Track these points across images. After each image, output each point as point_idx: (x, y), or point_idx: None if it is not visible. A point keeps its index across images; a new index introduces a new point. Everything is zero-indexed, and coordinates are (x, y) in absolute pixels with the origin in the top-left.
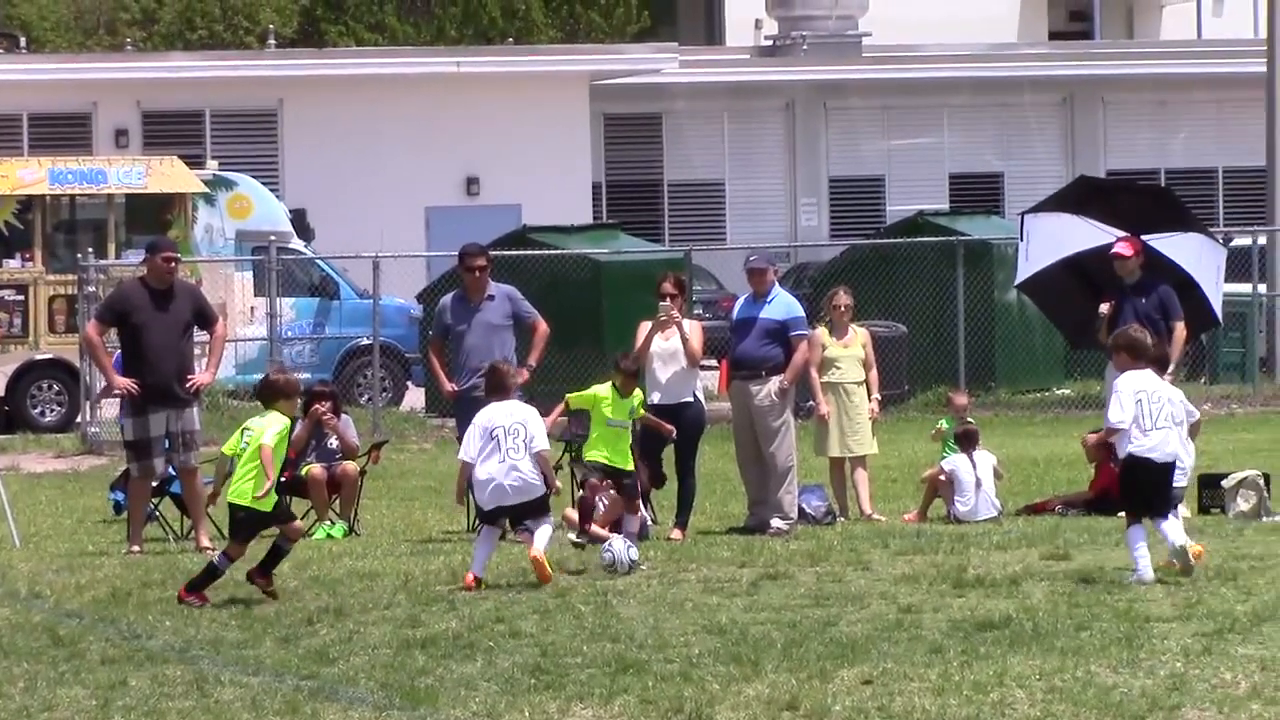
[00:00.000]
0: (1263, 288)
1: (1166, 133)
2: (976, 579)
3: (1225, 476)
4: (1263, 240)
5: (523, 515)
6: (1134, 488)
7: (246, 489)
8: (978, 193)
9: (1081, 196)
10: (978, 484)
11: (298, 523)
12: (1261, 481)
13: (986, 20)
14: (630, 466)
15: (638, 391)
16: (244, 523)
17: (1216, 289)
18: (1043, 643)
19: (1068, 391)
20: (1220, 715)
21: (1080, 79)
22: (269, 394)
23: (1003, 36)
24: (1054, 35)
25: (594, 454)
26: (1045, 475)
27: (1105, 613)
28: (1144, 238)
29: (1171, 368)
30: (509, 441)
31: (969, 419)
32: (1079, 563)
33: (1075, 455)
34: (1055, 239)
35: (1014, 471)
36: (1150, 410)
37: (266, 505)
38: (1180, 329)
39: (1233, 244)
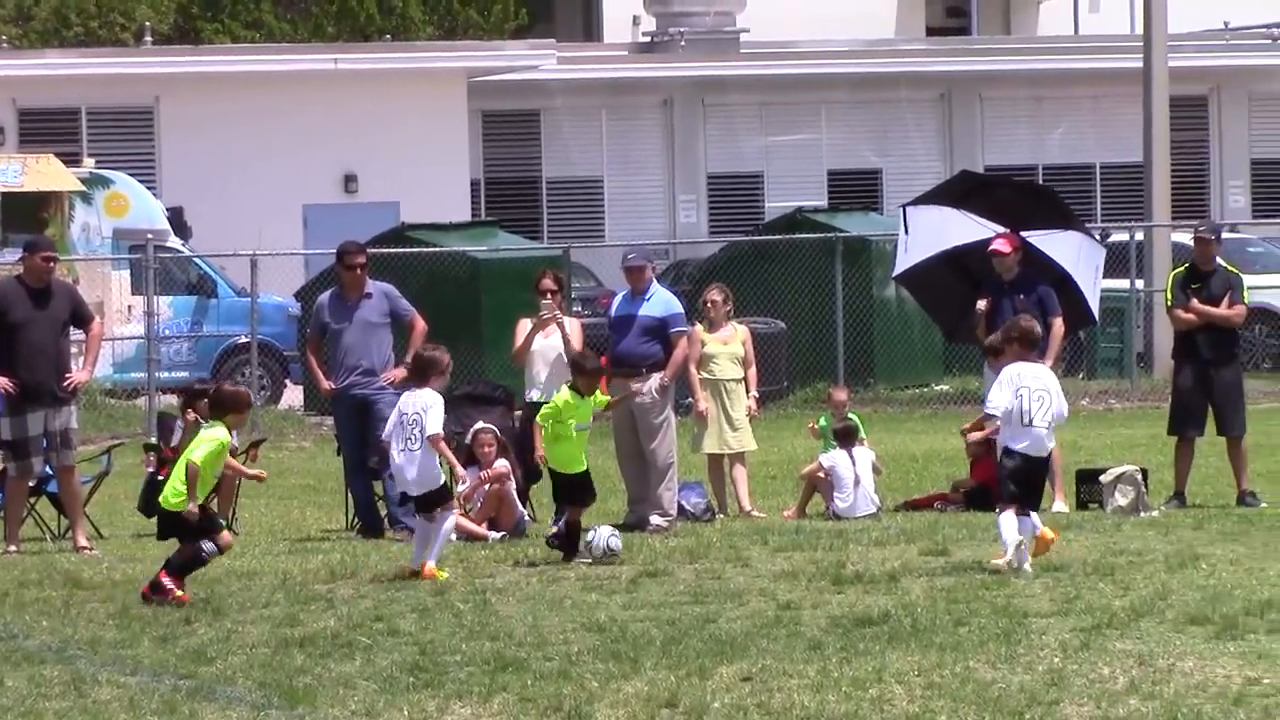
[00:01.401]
0: (1140, 284)
1: (1044, 129)
2: (855, 575)
3: (1103, 471)
4: (1140, 236)
5: (424, 505)
6: (1009, 477)
7: (171, 496)
8: (856, 189)
9: (963, 190)
10: (856, 480)
11: (226, 534)
12: (1139, 476)
13: (864, 16)
14: (582, 468)
15: (598, 392)
16: (171, 528)
17: (1094, 287)
18: (921, 639)
19: (946, 387)
20: (1098, 710)
21: (958, 75)
22: (215, 406)
23: (881, 32)
24: (931, 31)
25: (552, 460)
26: (924, 471)
27: (984, 608)
28: (1023, 234)
29: (1049, 364)
30: (408, 430)
31: (849, 415)
32: (957, 558)
33: (954, 451)
34: (935, 232)
35: (893, 467)
36: (1030, 406)
37: (180, 507)
38: (1059, 326)
39: (1110, 240)
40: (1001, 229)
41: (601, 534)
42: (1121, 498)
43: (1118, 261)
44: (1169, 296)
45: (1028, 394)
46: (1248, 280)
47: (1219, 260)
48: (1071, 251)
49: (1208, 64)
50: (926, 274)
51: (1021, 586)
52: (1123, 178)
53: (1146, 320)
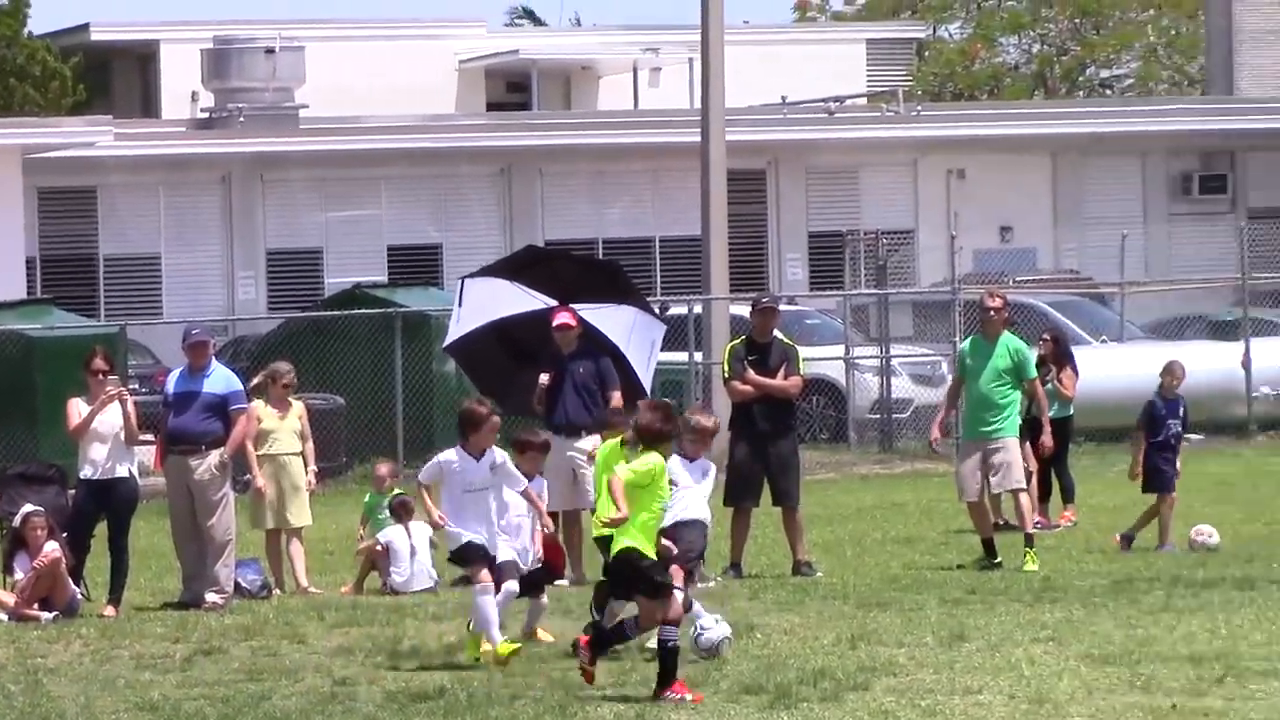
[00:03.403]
0: (699, 356)
1: (604, 202)
2: (412, 650)
3: None
4: (699, 309)
5: None
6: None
7: None
8: (416, 264)
9: (522, 264)
10: (413, 554)
11: None
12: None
13: (425, 91)
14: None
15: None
16: None
17: (648, 363)
18: (477, 712)
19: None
20: None
21: (517, 150)
22: None
23: (441, 107)
24: (492, 106)
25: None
26: None
27: (540, 681)
28: (576, 307)
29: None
30: None
31: (399, 490)
32: (515, 632)
33: None
34: (487, 304)
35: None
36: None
37: None
38: (617, 398)
39: (670, 313)
40: (553, 301)
41: (717, 630)
42: None
43: (676, 334)
44: (726, 368)
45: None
46: (805, 352)
47: (776, 332)
48: (624, 327)
49: (766, 138)
50: (475, 344)
51: (576, 662)
52: (682, 251)
53: (705, 392)
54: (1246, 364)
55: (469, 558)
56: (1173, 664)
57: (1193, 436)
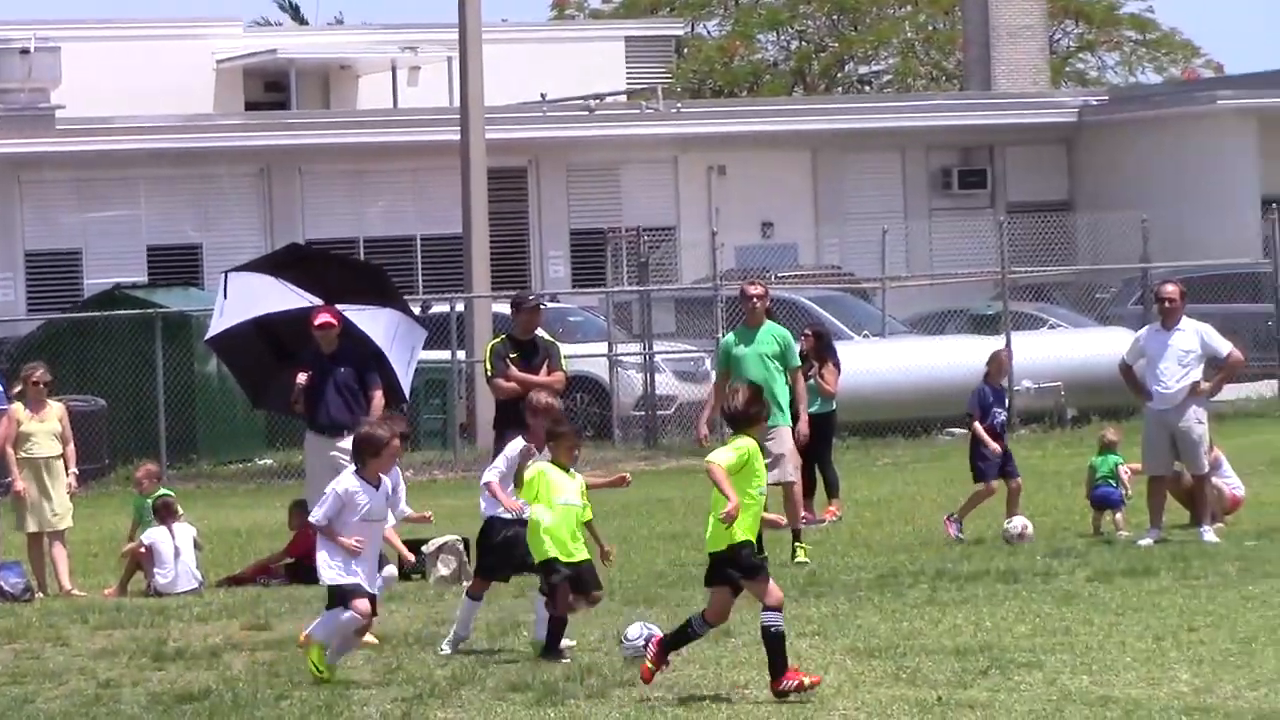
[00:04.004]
0: (461, 354)
1: (364, 201)
2: (177, 651)
3: (425, 542)
4: (460, 307)
5: None
6: None
7: None
8: (176, 264)
9: (285, 261)
10: (177, 555)
11: None
12: (461, 546)
13: (184, 91)
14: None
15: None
16: None
17: (408, 366)
18: (243, 714)
19: (270, 461)
20: None
21: (277, 149)
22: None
23: (199, 107)
24: (250, 106)
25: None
26: (248, 545)
27: (306, 681)
28: (340, 307)
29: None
30: None
31: (165, 490)
32: (280, 632)
33: (278, 525)
34: (251, 299)
35: (216, 542)
36: None
37: None
38: (379, 398)
39: (432, 311)
40: (317, 300)
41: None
42: (444, 567)
43: (439, 332)
44: (489, 366)
45: None
46: (568, 349)
47: (539, 330)
48: (386, 329)
49: (526, 136)
50: (237, 339)
51: (344, 659)
52: (443, 249)
53: (468, 391)
54: (1007, 358)
55: (352, 594)
56: (938, 656)
57: (955, 430)
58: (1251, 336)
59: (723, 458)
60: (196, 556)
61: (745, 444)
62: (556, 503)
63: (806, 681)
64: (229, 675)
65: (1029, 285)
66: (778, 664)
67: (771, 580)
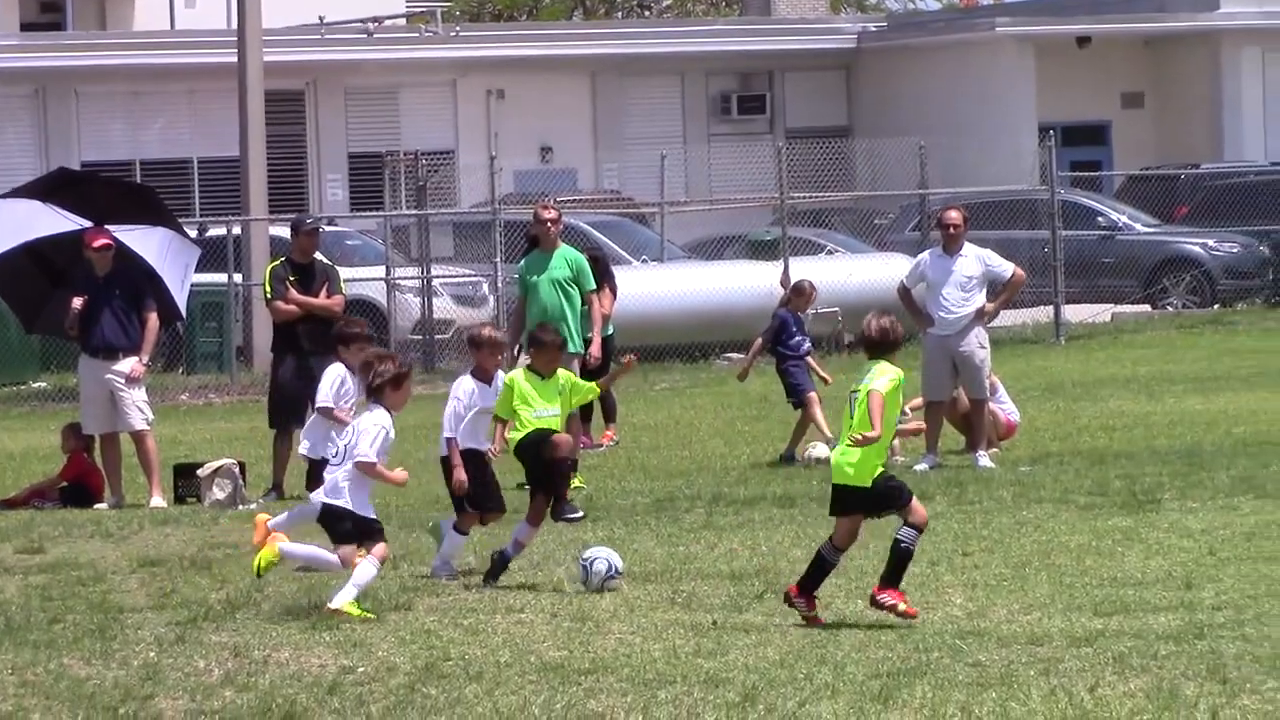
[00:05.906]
0: (239, 277)
1: (141, 124)
2: None
3: (201, 465)
4: (238, 230)
5: None
6: None
7: None
8: None
9: (54, 185)
10: None
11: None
12: (237, 470)
13: None
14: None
15: (563, 372)
16: None
17: (182, 285)
18: (16, 637)
19: (44, 384)
20: (193, 703)
21: (52, 70)
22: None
23: None
24: (26, 26)
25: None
26: (22, 469)
27: (79, 605)
28: (111, 229)
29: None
30: None
31: None
32: (54, 556)
33: (51, 448)
34: (20, 225)
35: None
36: None
37: None
38: (154, 320)
39: (209, 234)
40: (88, 223)
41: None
42: (219, 491)
43: (216, 255)
44: (268, 289)
45: None
46: (346, 273)
47: (317, 253)
48: (158, 248)
49: (304, 58)
50: (8, 264)
51: (119, 582)
52: (220, 172)
53: (245, 314)
54: (785, 283)
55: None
56: (713, 581)
57: (733, 355)
58: (1029, 263)
59: (884, 386)
60: None
61: (898, 373)
62: (531, 418)
63: (901, 607)
64: (2, 599)
65: (808, 211)
66: (892, 577)
67: (916, 499)
